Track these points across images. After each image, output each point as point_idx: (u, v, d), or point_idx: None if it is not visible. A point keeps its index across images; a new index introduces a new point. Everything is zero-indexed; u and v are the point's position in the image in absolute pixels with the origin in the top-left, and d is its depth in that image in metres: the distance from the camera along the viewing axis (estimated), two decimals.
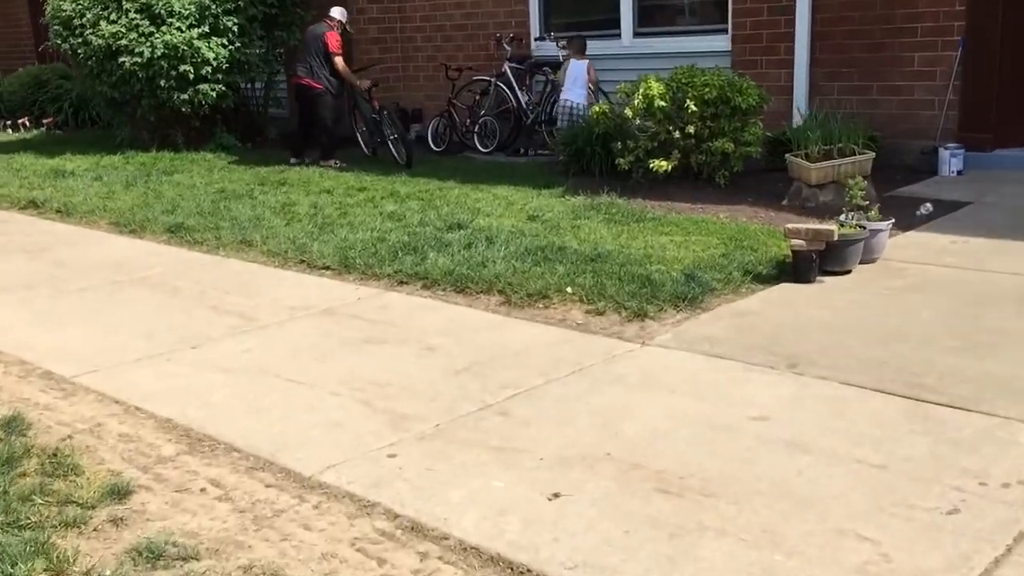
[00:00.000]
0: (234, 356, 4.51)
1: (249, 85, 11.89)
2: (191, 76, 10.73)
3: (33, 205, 8.51)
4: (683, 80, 7.56)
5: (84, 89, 12.17)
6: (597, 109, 8.05)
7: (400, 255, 6.01)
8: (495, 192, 8.07)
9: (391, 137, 10.17)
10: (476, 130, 10.80)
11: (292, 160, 10.14)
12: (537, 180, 8.54)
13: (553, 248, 5.95)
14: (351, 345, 4.60)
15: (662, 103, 7.45)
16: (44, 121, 13.86)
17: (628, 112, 7.59)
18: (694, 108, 7.35)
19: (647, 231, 6.46)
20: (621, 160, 7.74)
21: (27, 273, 6.23)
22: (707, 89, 7.41)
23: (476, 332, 4.71)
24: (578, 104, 9.36)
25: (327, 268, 6.03)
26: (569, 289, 5.14)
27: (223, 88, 11.05)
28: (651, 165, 7.53)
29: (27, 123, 13.90)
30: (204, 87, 10.89)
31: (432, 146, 11.07)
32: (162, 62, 10.59)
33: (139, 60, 10.54)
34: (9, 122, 13.99)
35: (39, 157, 11.29)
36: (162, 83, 10.72)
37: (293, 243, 6.52)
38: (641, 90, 7.53)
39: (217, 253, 6.60)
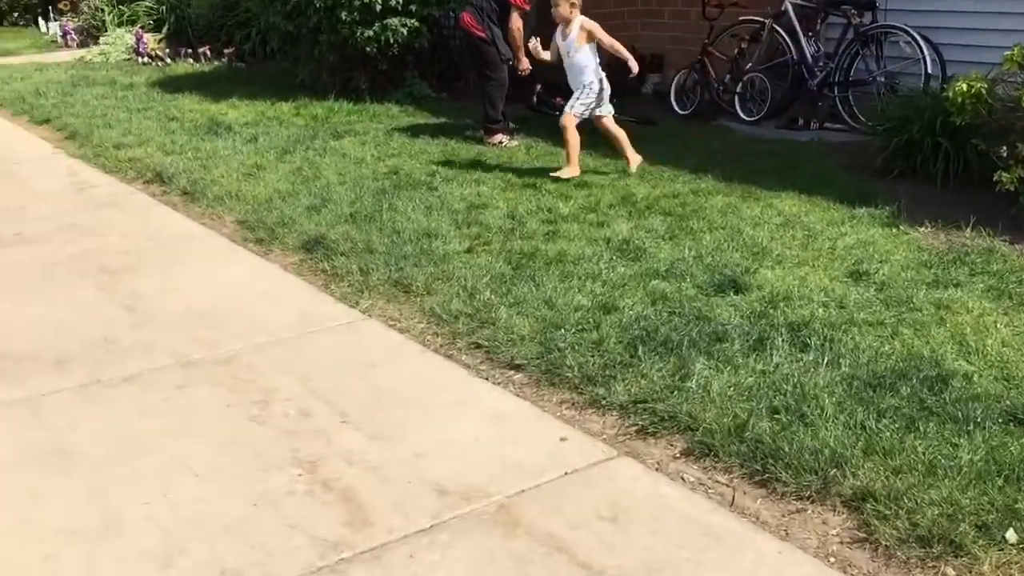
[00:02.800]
0: None
1: (452, 16, 9.48)
2: (378, 7, 8.50)
3: (160, 180, 6.57)
4: None
5: (261, 18, 10.23)
6: (963, 87, 5.03)
7: (641, 354, 3.48)
8: (779, 206, 5.33)
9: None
10: (738, 90, 8.01)
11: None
12: (840, 183, 5.71)
13: (925, 375, 3.21)
14: None
15: None
16: (225, 52, 12.12)
17: None
18: None
19: None
20: (1005, 176, 4.75)
21: (79, 325, 4.16)
22: None
23: None
24: None
25: (516, 368, 3.59)
26: (1011, 535, 2.44)
27: (416, 24, 8.73)
28: None
29: (207, 52, 12.20)
30: (393, 22, 8.64)
31: (675, 107, 8.42)
32: None
33: None
34: (190, 51, 12.34)
35: (203, 100, 9.45)
36: (343, 15, 8.55)
37: (471, 298, 4.12)
38: None
39: (357, 302, 4.31)
